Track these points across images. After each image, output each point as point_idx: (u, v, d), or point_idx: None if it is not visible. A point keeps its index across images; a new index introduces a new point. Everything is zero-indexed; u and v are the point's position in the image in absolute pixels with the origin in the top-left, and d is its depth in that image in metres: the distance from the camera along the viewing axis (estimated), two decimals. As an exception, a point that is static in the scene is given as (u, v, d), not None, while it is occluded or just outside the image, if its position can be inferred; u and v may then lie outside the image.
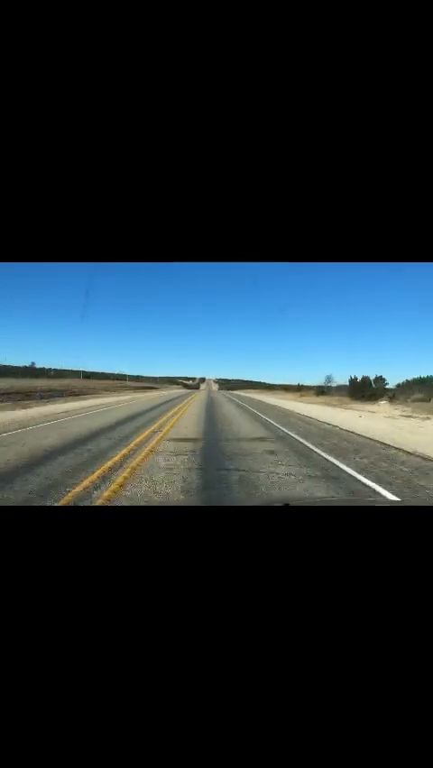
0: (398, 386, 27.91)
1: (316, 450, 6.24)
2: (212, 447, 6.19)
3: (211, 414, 13.23)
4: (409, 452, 5.96)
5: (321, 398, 29.92)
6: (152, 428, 8.41)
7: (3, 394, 18.85)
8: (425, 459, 5.48)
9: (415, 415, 13.78)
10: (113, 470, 4.53)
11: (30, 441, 6.36)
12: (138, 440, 6.67)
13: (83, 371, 65.32)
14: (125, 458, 5.17)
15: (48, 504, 3.40)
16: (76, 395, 23.93)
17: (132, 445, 6.10)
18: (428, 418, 12.20)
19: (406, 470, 4.89)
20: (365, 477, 4.47)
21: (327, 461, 5.42)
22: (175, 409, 14.79)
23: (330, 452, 6.07)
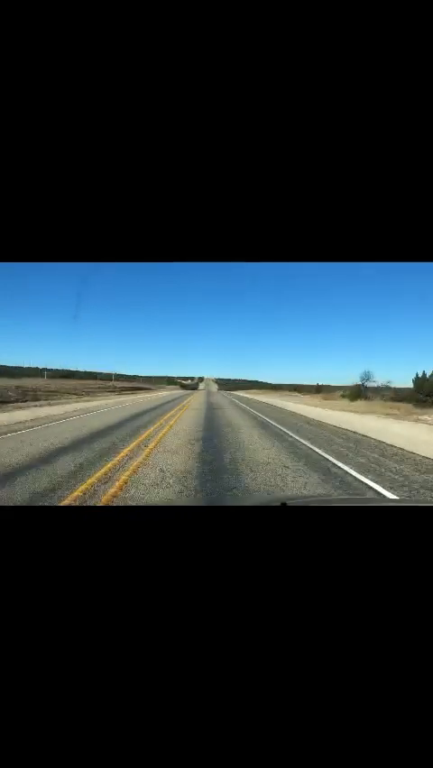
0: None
1: None
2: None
3: (215, 451, 6.36)
4: None
5: (360, 404, 21.63)
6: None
7: None
8: None
9: None
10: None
11: None
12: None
13: (46, 369, 60.84)
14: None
15: (48, 504, 3.36)
16: (5, 402, 15.96)
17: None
18: None
19: None
20: None
21: None
22: (150, 431, 8.53)
23: None
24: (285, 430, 8.95)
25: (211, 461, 5.36)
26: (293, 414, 14.73)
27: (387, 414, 14.65)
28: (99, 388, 40.69)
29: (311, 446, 6.73)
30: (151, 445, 6.41)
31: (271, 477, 4.59)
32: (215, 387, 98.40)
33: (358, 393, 27.27)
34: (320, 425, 10.81)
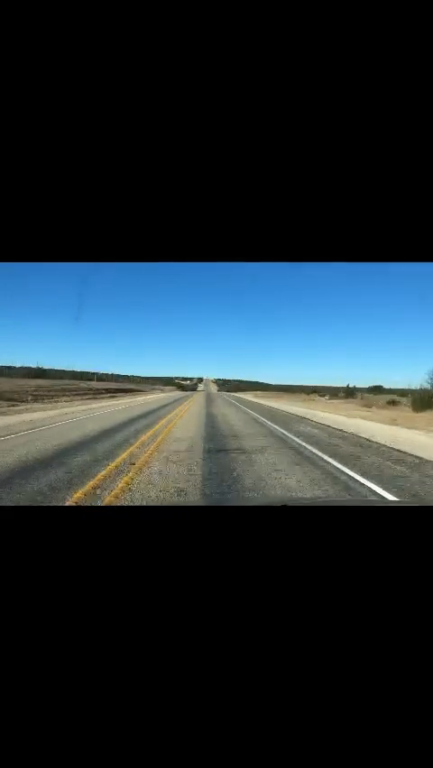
0: None
1: None
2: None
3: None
4: None
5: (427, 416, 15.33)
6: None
7: None
8: None
9: None
10: None
11: None
12: None
13: (40, 367, 56.68)
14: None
15: (48, 504, 3.56)
16: None
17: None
18: None
19: None
20: None
21: None
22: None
23: None
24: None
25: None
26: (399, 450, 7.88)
27: None
28: (64, 390, 32.20)
29: None
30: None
31: None
32: (214, 388, 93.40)
33: (429, 400, 19.06)
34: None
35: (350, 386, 48.45)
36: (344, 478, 5.44)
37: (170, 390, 63.43)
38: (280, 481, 5.08)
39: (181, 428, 10.68)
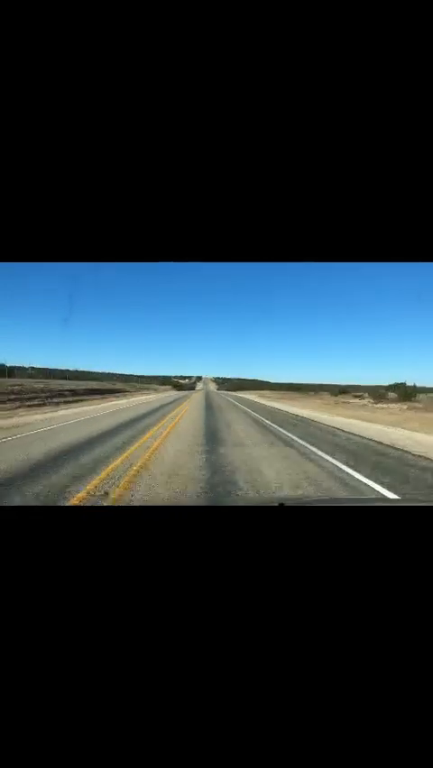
0: None
1: None
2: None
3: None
4: None
5: None
6: None
7: None
8: None
9: None
10: None
11: None
12: None
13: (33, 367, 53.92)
14: None
15: (49, 504, 3.50)
16: None
17: None
18: None
19: None
20: None
21: None
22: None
23: None
24: None
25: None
26: None
27: None
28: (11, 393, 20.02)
29: None
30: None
31: None
32: (214, 386, 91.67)
33: None
34: None
35: (407, 384, 34.32)
36: None
37: (165, 390, 56.64)
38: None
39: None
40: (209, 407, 19.35)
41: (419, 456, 6.57)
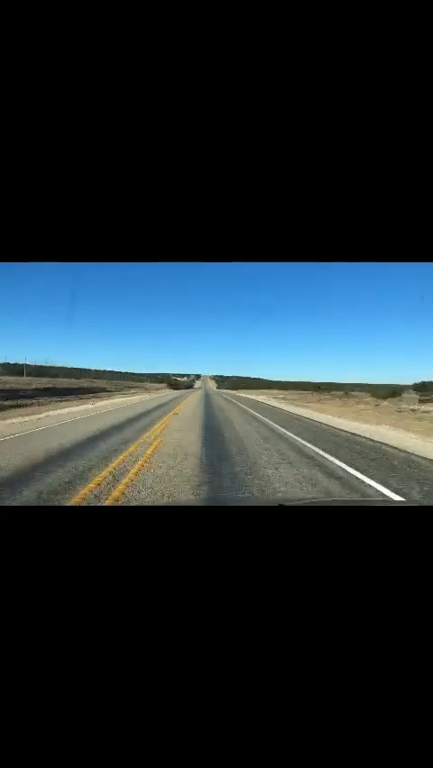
0: None
1: None
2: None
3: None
4: None
5: None
6: None
7: None
8: None
9: None
10: None
11: None
12: None
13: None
14: None
15: (49, 504, 3.46)
16: None
17: None
18: None
19: None
20: None
21: None
22: None
23: None
24: None
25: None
26: None
27: None
28: None
29: None
30: None
31: None
32: (213, 385, 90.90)
33: None
34: None
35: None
36: None
37: (158, 390, 48.84)
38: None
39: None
40: (207, 408, 14.38)
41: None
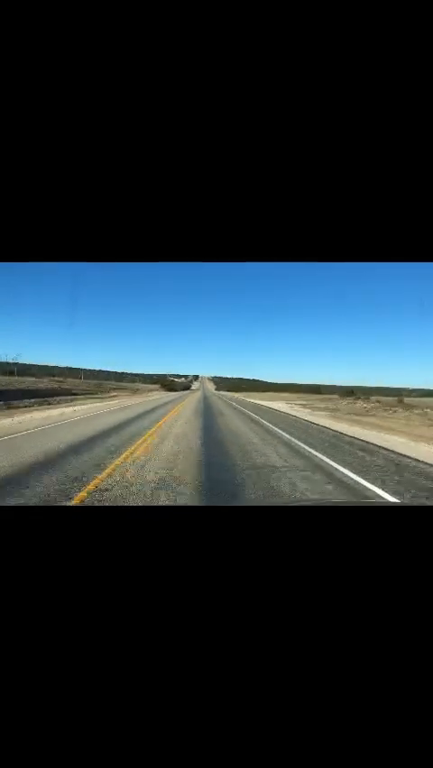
0: None
1: None
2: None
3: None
4: None
5: None
6: None
7: None
8: None
9: None
10: None
11: None
12: None
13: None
14: None
15: (49, 504, 3.56)
16: None
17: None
18: None
19: None
20: None
21: None
22: None
23: None
24: None
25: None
26: None
27: None
28: None
29: None
30: None
31: None
32: (212, 386, 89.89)
33: None
34: None
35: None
36: None
37: (148, 393, 40.82)
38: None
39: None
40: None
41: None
